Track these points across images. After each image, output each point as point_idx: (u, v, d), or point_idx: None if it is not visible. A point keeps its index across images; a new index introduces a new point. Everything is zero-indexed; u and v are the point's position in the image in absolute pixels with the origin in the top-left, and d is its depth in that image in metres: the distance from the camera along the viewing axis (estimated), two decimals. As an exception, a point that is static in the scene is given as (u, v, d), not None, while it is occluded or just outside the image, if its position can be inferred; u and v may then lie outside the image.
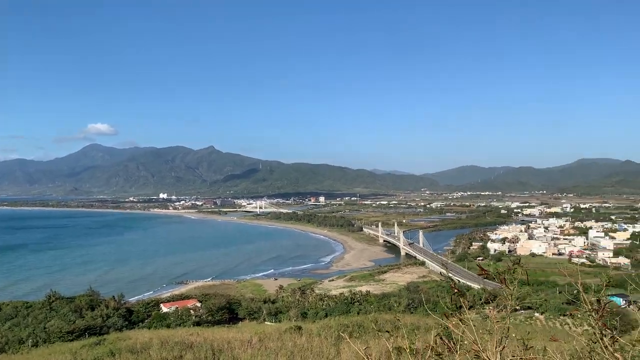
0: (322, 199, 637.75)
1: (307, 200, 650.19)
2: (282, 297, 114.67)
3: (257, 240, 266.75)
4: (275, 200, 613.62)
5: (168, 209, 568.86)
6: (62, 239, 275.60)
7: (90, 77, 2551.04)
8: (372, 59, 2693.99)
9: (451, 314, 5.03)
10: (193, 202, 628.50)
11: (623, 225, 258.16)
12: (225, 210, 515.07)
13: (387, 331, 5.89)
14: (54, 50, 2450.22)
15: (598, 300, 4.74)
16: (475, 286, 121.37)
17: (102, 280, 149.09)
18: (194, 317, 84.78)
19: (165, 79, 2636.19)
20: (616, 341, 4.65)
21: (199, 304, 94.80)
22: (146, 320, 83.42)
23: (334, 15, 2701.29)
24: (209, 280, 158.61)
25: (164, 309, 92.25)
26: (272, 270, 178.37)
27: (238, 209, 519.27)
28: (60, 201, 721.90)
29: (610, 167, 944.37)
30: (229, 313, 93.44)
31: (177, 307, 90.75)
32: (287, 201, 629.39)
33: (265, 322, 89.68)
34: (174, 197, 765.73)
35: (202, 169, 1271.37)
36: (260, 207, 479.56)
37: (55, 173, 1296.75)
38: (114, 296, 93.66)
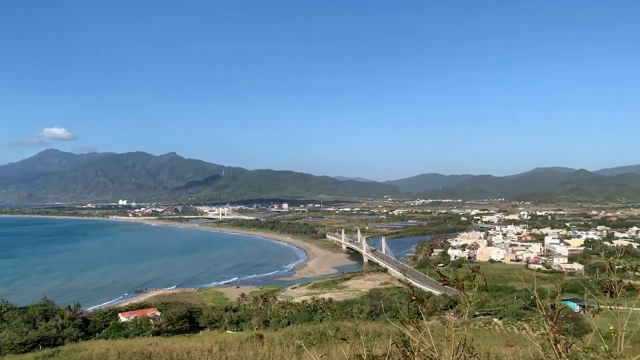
0: (285, 205, 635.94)
1: (270, 207, 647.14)
2: (244, 305, 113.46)
3: (219, 248, 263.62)
4: (238, 207, 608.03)
5: (128, 215, 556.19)
6: (16, 247, 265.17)
7: (46, 79, 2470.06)
8: (336, 66, 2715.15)
9: (408, 321, 5.01)
10: (153, 209, 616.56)
11: (577, 232, 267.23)
12: (186, 217, 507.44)
13: (343, 339, 5.82)
14: (5, 51, 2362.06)
15: (552, 306, 4.79)
16: (437, 292, 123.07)
17: (59, 289, 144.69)
18: (153, 327, 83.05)
19: (125, 82, 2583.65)
20: (570, 347, 4.71)
21: (158, 313, 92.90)
22: (103, 331, 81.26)
23: (297, 19, 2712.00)
24: (169, 289, 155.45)
25: (122, 318, 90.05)
26: (234, 278, 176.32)
27: (200, 216, 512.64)
28: (14, 208, 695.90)
29: (565, 176, 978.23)
30: (189, 322, 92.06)
31: (136, 317, 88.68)
32: (250, 208, 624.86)
33: (227, 331, 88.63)
34: (133, 203, 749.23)
35: (163, 175, 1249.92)
36: (223, 214, 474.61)
37: (9, 179, 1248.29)
38: (69, 306, 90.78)
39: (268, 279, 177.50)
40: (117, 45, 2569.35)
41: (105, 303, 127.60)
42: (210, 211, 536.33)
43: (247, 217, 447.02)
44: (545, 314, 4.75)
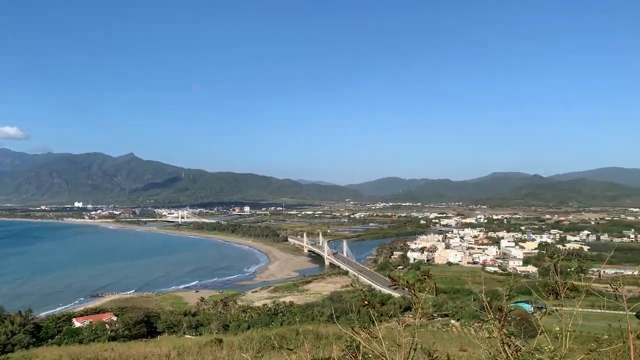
0: (247, 208, 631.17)
1: (231, 210, 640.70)
2: (204, 309, 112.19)
3: (178, 252, 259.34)
4: (198, 210, 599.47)
5: (83, 218, 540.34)
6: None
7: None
8: (295, 69, 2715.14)
9: (360, 326, 5.02)
10: (111, 212, 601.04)
11: (531, 235, 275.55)
12: (145, 220, 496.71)
13: (289, 349, 5.80)
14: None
15: (500, 309, 4.89)
16: (396, 295, 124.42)
17: (10, 294, 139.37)
18: (109, 332, 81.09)
19: (82, 80, 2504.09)
20: (519, 350, 4.81)
21: (115, 318, 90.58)
22: (56, 337, 78.69)
23: (255, 22, 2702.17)
24: (127, 293, 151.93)
25: (77, 323, 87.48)
26: (194, 282, 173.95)
27: (159, 219, 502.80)
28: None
29: (520, 181, 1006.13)
30: (147, 327, 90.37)
31: (91, 322, 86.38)
32: (210, 211, 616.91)
33: (185, 336, 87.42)
34: (90, 205, 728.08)
35: (121, 177, 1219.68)
36: (182, 217, 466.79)
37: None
38: (20, 311, 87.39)
39: (228, 283, 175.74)
40: (74, 44, 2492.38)
41: (59, 308, 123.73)
42: (169, 214, 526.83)
43: (207, 220, 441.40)
44: (493, 317, 4.85)
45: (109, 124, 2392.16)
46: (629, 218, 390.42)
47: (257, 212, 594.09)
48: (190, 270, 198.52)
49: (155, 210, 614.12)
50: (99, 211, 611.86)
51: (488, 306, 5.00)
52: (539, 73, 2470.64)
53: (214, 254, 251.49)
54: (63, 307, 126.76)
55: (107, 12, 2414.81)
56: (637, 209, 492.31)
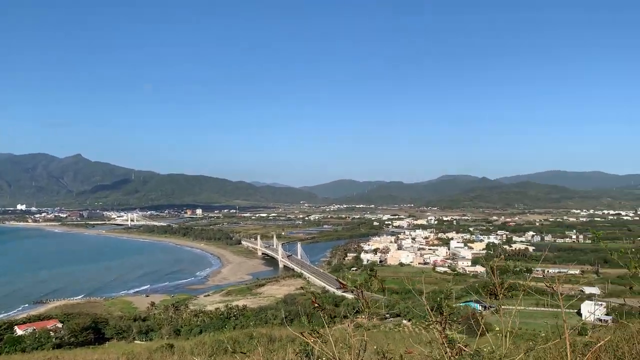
0: (199, 211, 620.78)
1: (183, 212, 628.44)
2: (154, 314, 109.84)
3: (128, 255, 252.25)
4: (149, 212, 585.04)
5: (27, 221, 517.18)
6: None
7: None
8: (251, 71, 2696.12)
9: (311, 329, 5.08)
10: (56, 214, 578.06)
11: (480, 236, 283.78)
12: (92, 223, 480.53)
13: (242, 352, 5.81)
14: None
15: (441, 312, 5.06)
16: (349, 296, 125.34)
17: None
18: (54, 339, 78.24)
19: (25, 77, 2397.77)
20: (462, 350, 4.98)
21: (60, 325, 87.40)
22: (-4, 346, 74.95)
23: (212, 19, 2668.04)
24: (74, 299, 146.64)
25: (19, 331, 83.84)
26: (144, 287, 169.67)
27: (107, 222, 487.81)
28: None
29: (469, 183, 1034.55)
30: (94, 333, 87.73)
31: (35, 329, 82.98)
32: (161, 214, 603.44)
33: (135, 341, 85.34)
34: (34, 208, 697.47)
35: (68, 178, 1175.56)
36: (132, 220, 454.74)
37: None
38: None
39: (180, 287, 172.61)
40: (15, 37, 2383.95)
41: (0, 315, 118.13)
42: (118, 217, 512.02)
43: (158, 223, 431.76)
44: (435, 319, 5.01)
45: (54, 124, 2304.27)
46: (570, 219, 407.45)
47: (210, 215, 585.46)
48: (141, 275, 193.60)
49: (104, 213, 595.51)
50: (44, 214, 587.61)
51: (431, 308, 5.17)
52: (485, 78, 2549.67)
53: (165, 258, 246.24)
54: (4, 314, 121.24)
55: (52, 4, 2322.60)
56: (578, 211, 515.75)
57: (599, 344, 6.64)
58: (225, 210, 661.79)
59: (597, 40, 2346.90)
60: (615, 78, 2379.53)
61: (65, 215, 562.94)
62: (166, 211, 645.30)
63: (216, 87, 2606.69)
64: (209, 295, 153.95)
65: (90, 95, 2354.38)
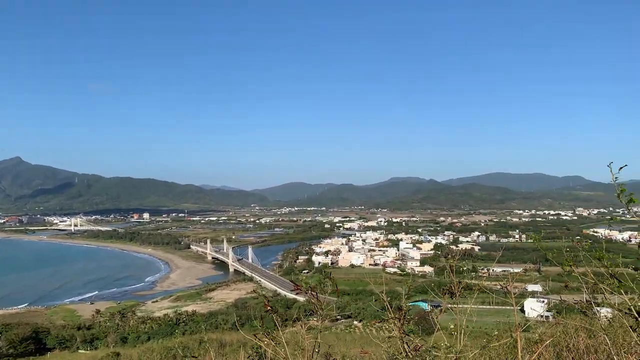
0: (146, 215, 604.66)
1: (129, 217, 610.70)
2: (99, 322, 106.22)
3: (71, 262, 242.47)
4: (94, 217, 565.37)
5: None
6: None
7: None
8: (195, 72, 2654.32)
9: (263, 332, 4.93)
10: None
11: (428, 237, 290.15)
12: (33, 228, 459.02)
13: (193, 356, 5.59)
14: None
15: (399, 308, 5.01)
16: (301, 299, 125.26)
17: None
18: (-11, 353, 74.02)
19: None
20: (419, 347, 4.94)
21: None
22: None
23: (163, 17, 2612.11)
24: (12, 309, 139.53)
25: (-50, 346, 78.83)
26: (88, 294, 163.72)
27: (49, 227, 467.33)
28: None
29: (417, 185, 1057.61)
30: (35, 343, 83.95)
31: (-33, 343, 78.25)
32: (107, 218, 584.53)
33: (79, 351, 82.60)
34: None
35: (6, 182, 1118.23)
36: (76, 225, 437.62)
37: None
38: None
39: (127, 294, 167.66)
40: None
41: None
42: (61, 222, 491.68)
43: (103, 228, 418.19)
44: (393, 316, 4.97)
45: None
46: (514, 219, 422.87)
47: (158, 219, 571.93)
48: (85, 282, 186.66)
49: (46, 218, 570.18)
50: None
51: (383, 309, 5.12)
52: (429, 82, 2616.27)
53: (111, 264, 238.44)
54: None
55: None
56: (520, 211, 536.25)
57: (547, 341, 6.84)
58: (174, 214, 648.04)
59: (536, 41, 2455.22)
60: (553, 78, 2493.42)
61: (2, 221, 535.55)
62: (112, 215, 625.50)
63: (162, 89, 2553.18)
64: (157, 301, 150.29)
65: (31, 97, 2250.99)
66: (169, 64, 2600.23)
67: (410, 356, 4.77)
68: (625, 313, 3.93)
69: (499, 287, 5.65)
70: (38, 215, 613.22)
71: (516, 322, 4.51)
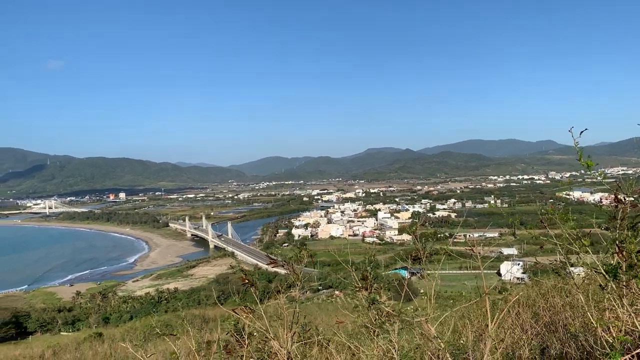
0: (122, 195, 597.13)
1: (105, 197, 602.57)
2: (80, 303, 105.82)
3: (48, 245, 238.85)
4: (68, 199, 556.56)
5: None
6: None
7: None
8: (177, 50, 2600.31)
9: (244, 306, 5.10)
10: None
11: (405, 206, 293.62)
12: (6, 213, 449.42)
13: (172, 334, 5.77)
14: None
15: (364, 278, 5.23)
16: (282, 272, 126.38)
17: None
18: (-32, 340, 73.39)
19: None
20: (390, 315, 5.18)
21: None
22: None
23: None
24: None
25: None
26: (68, 277, 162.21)
27: (23, 211, 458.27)
28: None
29: (393, 156, 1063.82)
30: (15, 328, 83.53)
31: (-55, 330, 77.38)
32: (82, 199, 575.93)
33: (61, 333, 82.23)
34: None
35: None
36: (50, 208, 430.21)
37: None
38: None
39: (107, 274, 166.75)
40: None
41: None
42: (35, 205, 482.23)
43: (79, 210, 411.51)
44: (360, 286, 5.19)
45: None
46: (488, 185, 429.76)
47: (134, 199, 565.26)
48: (63, 263, 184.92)
49: (18, 201, 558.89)
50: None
51: (355, 276, 5.35)
52: (405, 53, 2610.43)
53: (89, 245, 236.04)
54: None
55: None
56: (495, 177, 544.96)
57: (514, 298, 7.19)
58: (150, 193, 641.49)
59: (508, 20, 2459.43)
60: (526, 50, 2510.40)
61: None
62: (87, 197, 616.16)
63: (135, 67, 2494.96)
64: (137, 280, 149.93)
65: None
66: (145, 48, 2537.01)
67: (378, 324, 5.01)
68: (596, 271, 4.15)
69: (469, 251, 5.91)
70: (10, 200, 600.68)
71: (483, 283, 4.75)
